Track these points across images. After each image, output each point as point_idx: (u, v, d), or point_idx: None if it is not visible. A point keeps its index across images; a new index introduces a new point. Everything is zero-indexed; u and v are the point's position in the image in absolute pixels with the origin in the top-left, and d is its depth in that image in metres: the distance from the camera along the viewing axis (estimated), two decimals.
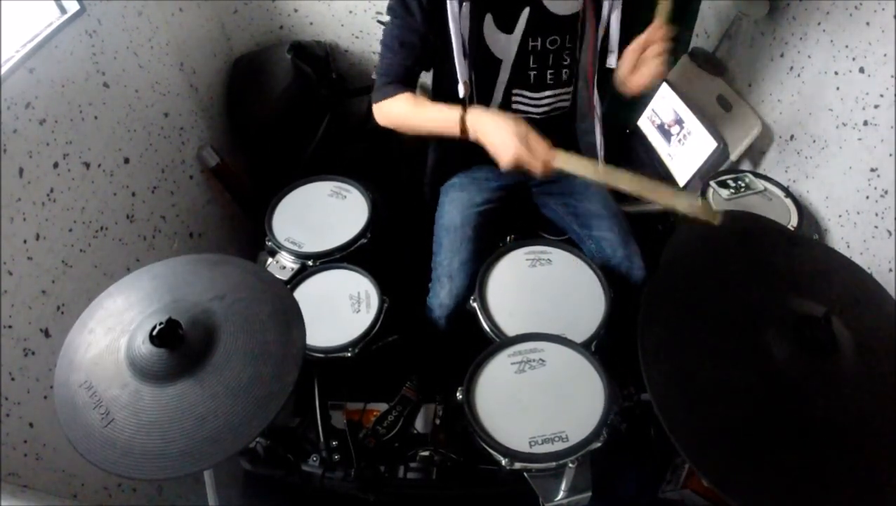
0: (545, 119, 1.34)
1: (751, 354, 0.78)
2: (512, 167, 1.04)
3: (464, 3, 1.09)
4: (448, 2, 1.09)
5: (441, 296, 1.26)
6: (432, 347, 1.35)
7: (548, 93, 1.29)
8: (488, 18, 1.16)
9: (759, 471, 0.72)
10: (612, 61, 1.23)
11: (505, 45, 1.19)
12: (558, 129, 1.36)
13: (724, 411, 0.76)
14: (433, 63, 1.28)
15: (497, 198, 1.41)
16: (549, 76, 1.26)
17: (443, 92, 1.27)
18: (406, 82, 1.21)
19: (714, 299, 0.86)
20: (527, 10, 1.15)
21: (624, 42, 1.19)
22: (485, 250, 1.31)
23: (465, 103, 1.25)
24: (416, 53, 1.19)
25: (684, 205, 0.96)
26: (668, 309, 0.86)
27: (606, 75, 1.26)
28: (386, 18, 1.89)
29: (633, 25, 1.20)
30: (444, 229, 1.34)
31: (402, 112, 1.20)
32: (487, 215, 1.36)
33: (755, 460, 0.72)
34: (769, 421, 0.75)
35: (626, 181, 1.00)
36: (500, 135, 1.05)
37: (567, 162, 1.04)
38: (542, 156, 1.03)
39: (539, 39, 1.19)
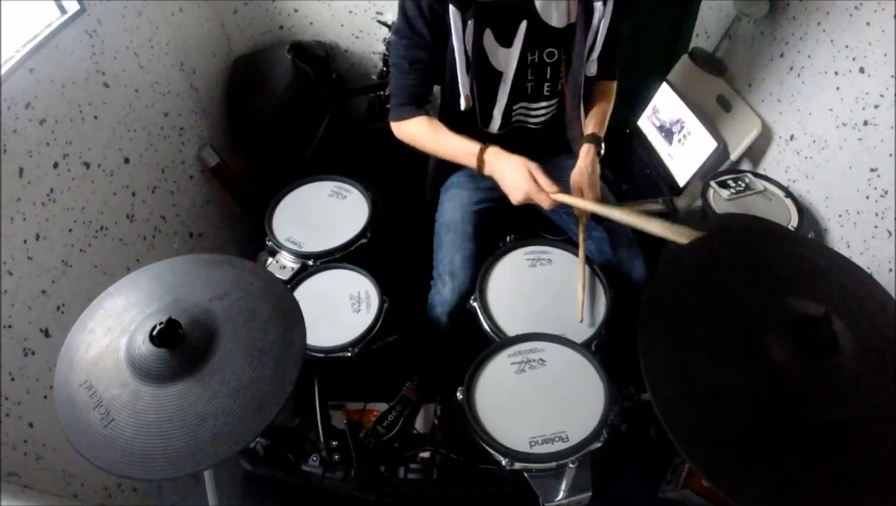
0: (542, 129, 1.35)
1: (751, 354, 0.78)
2: (521, 204, 1.15)
3: (468, 21, 1.11)
4: (451, 18, 1.10)
5: (444, 293, 1.26)
6: (432, 346, 1.35)
7: (544, 104, 1.31)
8: (488, 33, 1.16)
9: (759, 471, 0.72)
10: (591, 70, 1.25)
11: (505, 59, 1.20)
12: (554, 137, 1.36)
13: (724, 411, 0.76)
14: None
15: (496, 197, 1.41)
16: (545, 88, 1.27)
17: (449, 102, 1.29)
18: (419, 103, 1.26)
19: (713, 299, 0.86)
20: (524, 24, 1.16)
21: (605, 52, 1.23)
22: (486, 247, 1.32)
23: (471, 118, 1.28)
24: (426, 69, 1.22)
25: (676, 236, 0.98)
26: (667, 310, 0.86)
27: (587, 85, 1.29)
28: (385, 18, 1.88)
29: (615, 37, 1.24)
30: (445, 227, 1.35)
31: (421, 135, 1.27)
32: (487, 213, 1.37)
33: (755, 460, 0.72)
34: (769, 421, 0.75)
35: (619, 213, 1.11)
36: (514, 176, 1.15)
37: (569, 197, 1.17)
38: (549, 192, 1.13)
39: (537, 53, 1.20)
